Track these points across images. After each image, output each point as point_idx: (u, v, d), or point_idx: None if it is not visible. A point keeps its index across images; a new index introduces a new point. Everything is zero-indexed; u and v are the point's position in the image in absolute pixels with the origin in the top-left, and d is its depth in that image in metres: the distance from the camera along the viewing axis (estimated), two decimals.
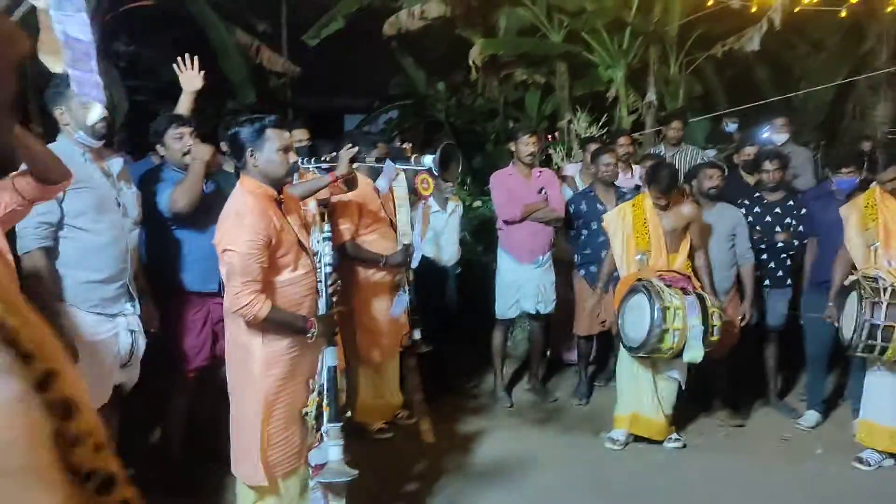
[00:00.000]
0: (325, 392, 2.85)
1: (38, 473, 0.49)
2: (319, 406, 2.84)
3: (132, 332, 3.16)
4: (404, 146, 5.16)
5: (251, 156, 2.77)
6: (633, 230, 4.44)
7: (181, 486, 3.57)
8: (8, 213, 2.27)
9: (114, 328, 3.08)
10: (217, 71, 7.09)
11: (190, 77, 3.82)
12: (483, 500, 3.73)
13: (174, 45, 7.44)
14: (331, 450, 2.80)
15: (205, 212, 3.57)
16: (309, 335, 2.76)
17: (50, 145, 2.80)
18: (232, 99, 7.74)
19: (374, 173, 3.71)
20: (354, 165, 3.25)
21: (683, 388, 4.42)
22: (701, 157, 6.01)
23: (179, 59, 3.83)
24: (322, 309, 2.88)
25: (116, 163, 3.21)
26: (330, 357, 2.89)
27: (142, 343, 3.21)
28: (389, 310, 4.21)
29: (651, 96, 8.42)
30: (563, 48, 8.52)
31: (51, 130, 3.21)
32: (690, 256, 4.48)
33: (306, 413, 2.85)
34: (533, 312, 5.10)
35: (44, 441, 0.51)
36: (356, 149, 3.25)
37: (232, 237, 2.68)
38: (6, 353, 0.49)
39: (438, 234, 4.93)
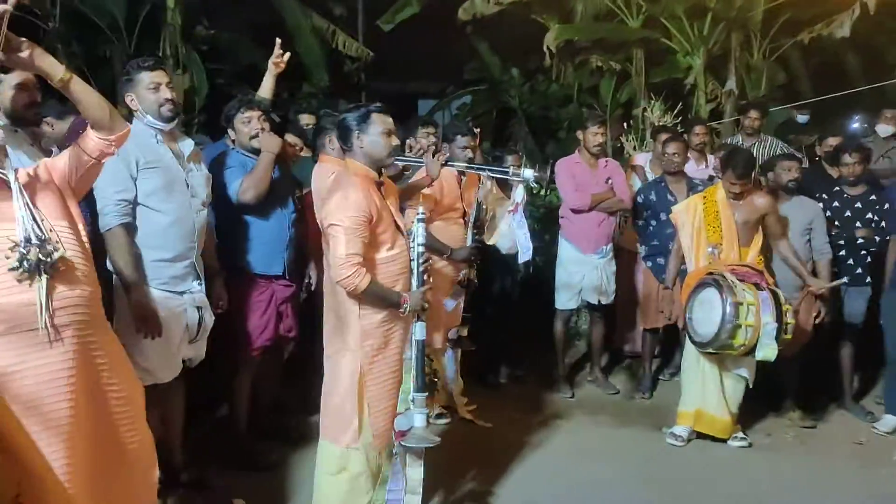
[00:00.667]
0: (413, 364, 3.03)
1: None
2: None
3: (199, 308, 3.26)
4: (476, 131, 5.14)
5: (357, 138, 2.92)
6: (703, 222, 4.31)
7: (246, 461, 3.71)
8: (83, 174, 2.36)
9: (181, 305, 3.18)
10: (292, 54, 7.22)
11: (276, 61, 3.91)
12: (539, 490, 3.72)
13: (252, 28, 7.65)
14: (416, 417, 3.02)
15: (271, 198, 3.68)
16: (402, 310, 2.92)
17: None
18: (306, 82, 7.88)
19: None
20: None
21: (751, 387, 4.28)
22: (780, 148, 5.77)
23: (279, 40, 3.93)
24: (414, 286, 3.01)
25: (187, 145, 3.31)
26: (419, 331, 3.04)
27: (209, 319, 3.31)
28: (441, 297, 4.25)
29: (731, 84, 8.14)
30: (641, 34, 8.33)
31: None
32: (763, 251, 4.33)
33: None
34: (594, 303, 5.03)
35: None
36: (447, 155, 3.65)
37: (337, 213, 2.82)
38: None
39: (517, 232, 4.90)
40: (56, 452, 2.07)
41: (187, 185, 3.20)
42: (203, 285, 3.30)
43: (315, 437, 3.15)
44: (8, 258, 2.06)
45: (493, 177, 3.88)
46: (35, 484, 2.02)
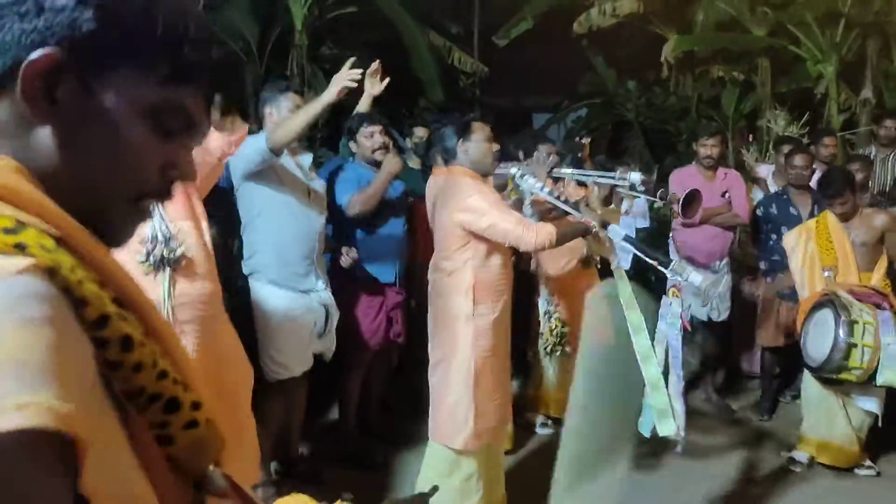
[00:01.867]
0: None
1: (52, 379, 0.52)
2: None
3: (325, 305, 3.46)
4: (583, 141, 5.15)
5: (460, 145, 3.06)
6: (817, 247, 4.10)
7: (355, 459, 3.87)
8: (207, 174, 2.58)
9: (308, 303, 3.40)
10: (409, 71, 7.46)
11: (373, 82, 4.04)
12: None
13: (372, 47, 7.96)
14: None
15: (386, 208, 3.85)
16: (593, 229, 3.06)
17: (253, 136, 3.18)
18: (422, 98, 8.10)
19: None
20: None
21: (881, 424, 4.00)
22: None
23: (376, 62, 4.02)
24: None
25: (306, 158, 3.56)
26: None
27: (335, 316, 3.51)
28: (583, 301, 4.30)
29: (867, 93, 7.68)
30: (767, 42, 8.02)
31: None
32: (890, 274, 4.05)
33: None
34: (705, 320, 4.86)
35: (73, 359, 0.57)
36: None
37: (477, 209, 2.94)
38: (55, 291, 0.58)
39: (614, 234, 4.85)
40: None
41: (309, 193, 3.42)
42: (328, 286, 3.50)
43: (422, 438, 3.24)
44: (137, 252, 2.28)
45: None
46: None
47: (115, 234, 0.73)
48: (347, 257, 3.68)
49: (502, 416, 3.17)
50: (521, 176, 3.36)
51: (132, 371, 0.65)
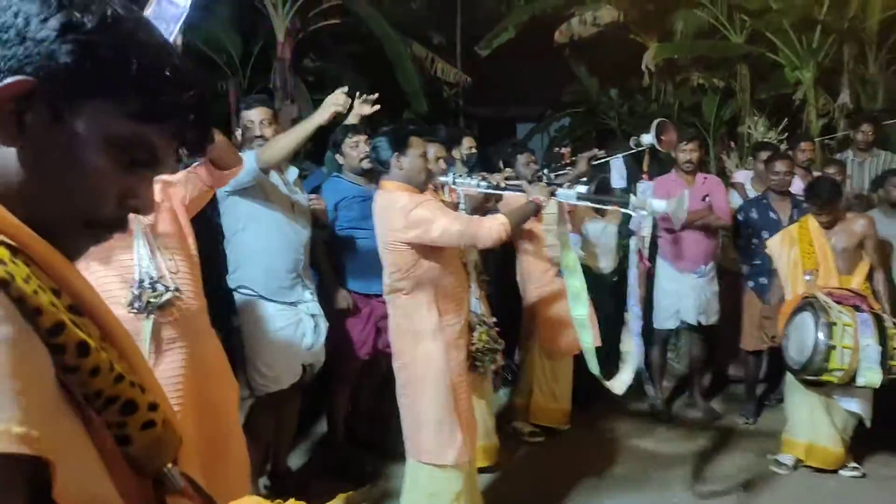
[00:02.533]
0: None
1: (17, 403, 0.56)
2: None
3: (313, 316, 3.47)
4: (562, 150, 5.21)
5: (396, 160, 2.99)
6: (799, 251, 4.15)
7: (343, 470, 3.86)
8: (196, 197, 2.60)
9: (296, 314, 3.40)
10: (393, 83, 7.49)
11: (363, 106, 4.07)
12: None
13: (354, 59, 7.99)
14: None
15: (372, 221, 3.86)
16: (544, 203, 3.08)
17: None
18: (406, 109, 8.13)
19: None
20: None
21: (868, 424, 4.04)
22: (895, 164, 5.48)
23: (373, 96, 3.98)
24: None
25: (292, 171, 3.58)
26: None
27: (323, 326, 3.50)
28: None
29: (844, 98, 7.77)
30: (745, 49, 8.10)
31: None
32: (869, 279, 4.12)
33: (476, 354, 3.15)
34: (693, 324, 4.91)
35: (34, 377, 0.60)
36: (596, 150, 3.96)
37: (423, 220, 2.88)
38: (9, 307, 0.61)
39: (595, 242, 4.90)
40: None
41: (292, 206, 3.43)
42: (315, 296, 3.50)
43: None
44: (126, 285, 2.28)
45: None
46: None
47: (65, 252, 0.75)
48: (342, 300, 3.74)
49: (475, 424, 3.19)
50: (454, 182, 3.40)
51: (89, 375, 0.68)
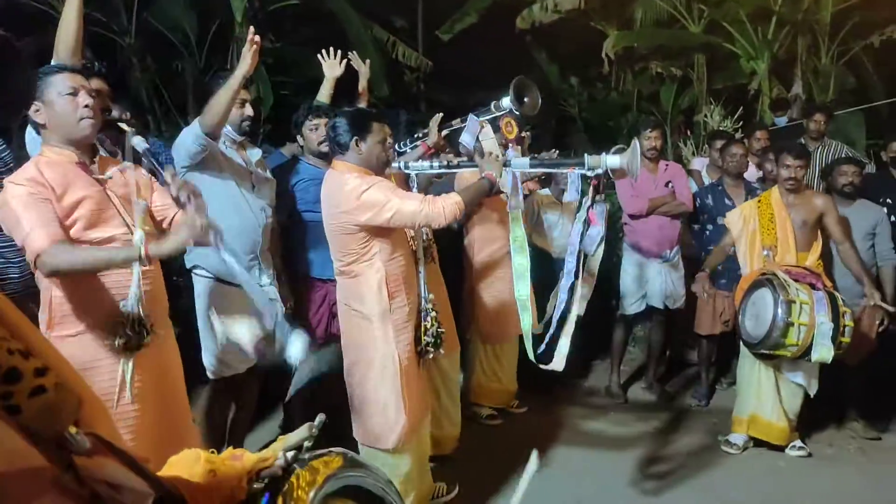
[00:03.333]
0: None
1: None
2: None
3: (270, 300, 3.41)
4: (522, 134, 5.22)
5: (356, 144, 2.96)
6: (759, 226, 4.25)
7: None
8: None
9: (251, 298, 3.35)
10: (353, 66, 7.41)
11: (331, 65, 4.06)
12: (589, 494, 3.72)
13: (315, 41, 7.89)
14: None
15: None
16: (498, 182, 2.97)
17: (183, 131, 3.17)
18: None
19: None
20: (444, 131, 3.55)
21: (812, 395, 4.17)
22: (845, 152, 5.63)
23: (323, 51, 4.08)
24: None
25: (255, 153, 3.52)
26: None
27: (280, 311, 3.45)
28: (512, 289, 4.34)
29: (797, 89, 7.97)
30: (703, 39, 8.24)
31: None
32: (824, 257, 4.23)
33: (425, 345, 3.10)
34: (661, 307, 4.99)
35: None
36: (440, 115, 3.55)
37: (375, 202, 2.84)
38: None
39: (552, 226, 4.94)
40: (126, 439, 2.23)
41: (253, 187, 3.38)
42: (273, 281, 3.46)
43: None
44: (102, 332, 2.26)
45: (485, 121, 3.80)
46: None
47: None
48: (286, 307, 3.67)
49: (425, 407, 3.17)
50: (406, 165, 3.38)
51: None
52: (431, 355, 3.21)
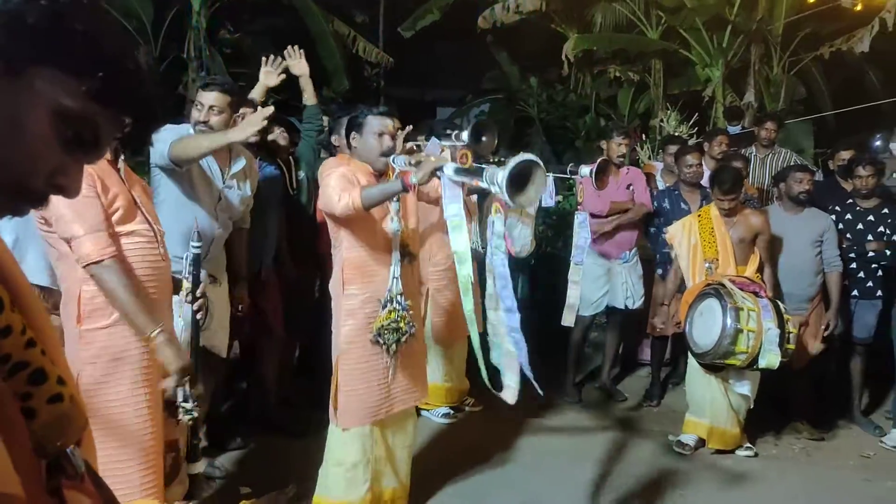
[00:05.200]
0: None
1: None
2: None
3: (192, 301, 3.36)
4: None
5: (353, 139, 3.04)
6: (700, 239, 4.34)
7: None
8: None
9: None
10: (313, 59, 7.34)
11: (268, 74, 4.03)
12: (540, 493, 3.74)
13: (275, 32, 7.78)
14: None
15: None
16: (412, 181, 2.76)
17: (177, 126, 3.13)
18: (326, 87, 7.99)
19: None
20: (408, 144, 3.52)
21: (751, 405, 4.27)
22: (795, 160, 5.79)
23: (290, 48, 4.03)
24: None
25: (239, 162, 3.43)
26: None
27: (213, 311, 3.38)
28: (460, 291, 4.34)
29: (750, 97, 8.15)
30: (660, 45, 8.38)
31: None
32: (761, 270, 4.34)
33: (380, 330, 3.02)
34: (621, 308, 5.05)
35: None
36: (409, 127, 3.44)
37: (326, 190, 2.91)
38: None
39: (511, 225, 4.95)
40: None
41: (219, 199, 3.32)
42: (217, 280, 3.42)
43: (321, 431, 3.23)
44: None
45: (445, 146, 3.88)
46: None
47: None
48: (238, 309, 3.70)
49: (379, 401, 3.07)
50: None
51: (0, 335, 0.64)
52: (389, 348, 3.07)
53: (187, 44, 7.08)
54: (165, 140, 3.04)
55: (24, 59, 0.69)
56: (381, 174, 3.04)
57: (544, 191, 3.07)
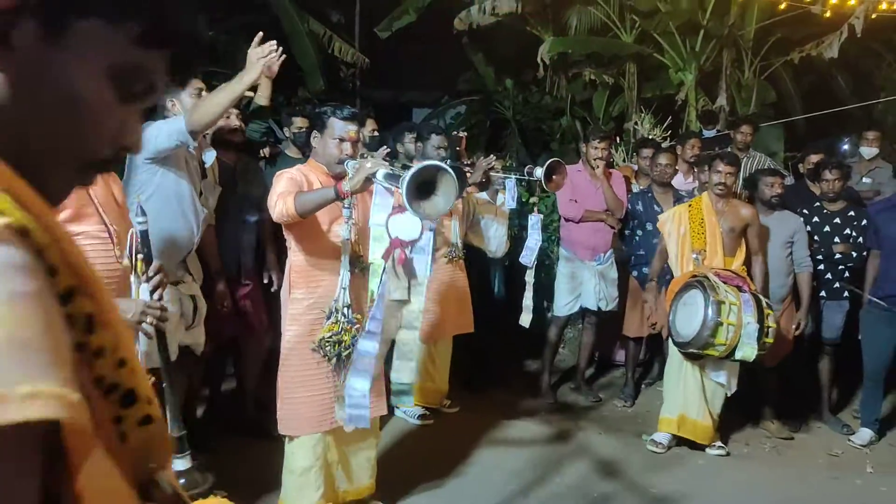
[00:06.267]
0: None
1: (54, 362, 0.48)
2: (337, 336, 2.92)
3: (192, 297, 3.33)
4: (460, 134, 5.30)
5: (314, 138, 3.00)
6: (689, 229, 4.39)
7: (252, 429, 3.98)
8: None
9: (174, 293, 3.25)
10: (289, 58, 7.29)
11: (263, 97, 4.04)
12: (516, 493, 3.76)
13: (249, 31, 7.71)
14: None
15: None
16: (345, 189, 2.68)
17: (165, 120, 3.04)
18: (302, 87, 7.94)
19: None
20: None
21: (729, 394, 4.34)
22: (768, 163, 5.89)
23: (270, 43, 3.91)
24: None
25: (210, 155, 3.40)
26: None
27: (202, 308, 3.38)
28: (449, 290, 4.46)
29: (722, 101, 8.24)
30: (634, 49, 8.43)
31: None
32: (747, 263, 4.41)
33: (321, 341, 2.92)
34: (594, 309, 5.08)
35: (61, 338, 0.52)
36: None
37: (273, 189, 2.89)
38: (33, 259, 0.52)
39: (487, 225, 4.98)
40: None
41: (200, 194, 3.29)
42: (197, 279, 3.39)
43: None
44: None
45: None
46: None
47: (49, 199, 0.64)
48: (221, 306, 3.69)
49: (322, 411, 2.96)
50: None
51: (93, 356, 0.59)
52: (331, 360, 2.94)
53: None
54: (160, 128, 2.95)
55: (63, 13, 0.62)
56: (339, 177, 2.90)
57: (456, 198, 3.03)
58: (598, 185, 5.00)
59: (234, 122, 3.80)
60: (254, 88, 3.96)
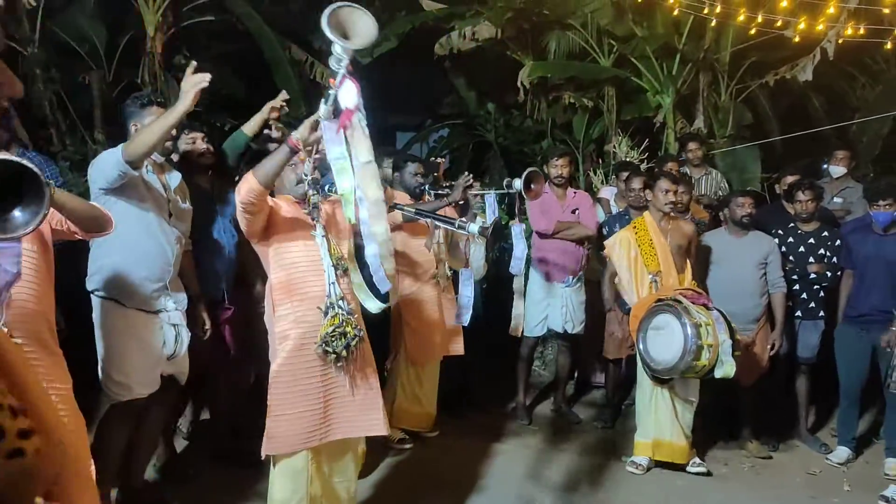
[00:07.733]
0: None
1: None
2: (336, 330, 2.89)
3: (175, 325, 3.31)
4: (439, 160, 5.34)
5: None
6: (640, 252, 4.41)
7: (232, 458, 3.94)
8: (64, 236, 2.53)
9: (156, 322, 3.25)
10: (271, 85, 7.34)
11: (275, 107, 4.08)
12: None
13: (230, 59, 7.76)
14: None
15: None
16: (299, 149, 2.71)
17: (110, 150, 3.02)
18: (285, 114, 7.98)
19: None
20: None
21: (693, 408, 4.35)
22: (723, 182, 6.05)
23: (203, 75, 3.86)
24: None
25: (174, 177, 3.40)
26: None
27: (185, 337, 3.36)
28: (437, 313, 4.51)
29: (699, 123, 8.36)
30: (612, 72, 8.55)
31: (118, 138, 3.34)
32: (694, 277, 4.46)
33: (325, 337, 2.88)
34: (560, 331, 5.11)
35: None
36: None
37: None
38: None
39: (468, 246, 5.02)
40: None
41: (170, 215, 3.29)
42: (180, 304, 3.37)
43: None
44: None
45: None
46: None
47: None
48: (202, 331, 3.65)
49: (312, 426, 2.88)
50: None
51: None
52: (339, 355, 2.91)
53: (141, 69, 7.02)
54: (105, 159, 2.98)
55: None
56: (303, 199, 2.95)
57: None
58: (564, 205, 5.07)
59: (201, 145, 3.82)
60: (230, 110, 4.01)
